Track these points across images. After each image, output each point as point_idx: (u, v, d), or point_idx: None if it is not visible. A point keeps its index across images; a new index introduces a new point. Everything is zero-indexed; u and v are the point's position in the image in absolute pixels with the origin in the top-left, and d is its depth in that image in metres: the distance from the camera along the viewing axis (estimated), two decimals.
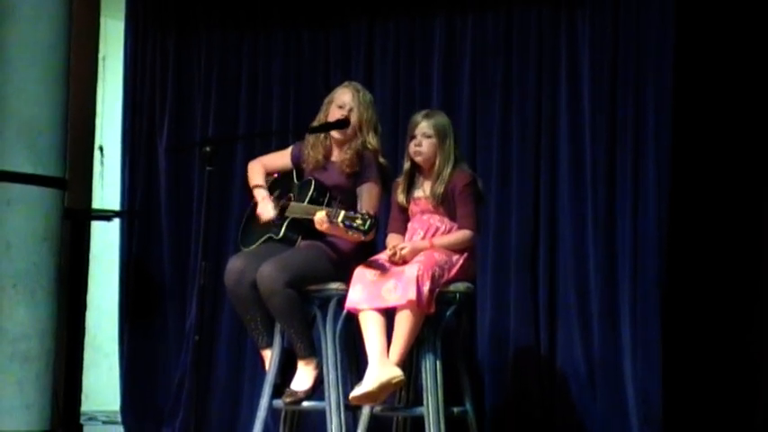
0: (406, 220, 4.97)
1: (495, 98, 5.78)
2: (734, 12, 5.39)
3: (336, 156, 5.03)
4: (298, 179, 5.11)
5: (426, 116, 4.95)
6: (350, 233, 4.61)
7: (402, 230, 4.97)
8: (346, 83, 5.12)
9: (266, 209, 5.01)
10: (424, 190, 4.93)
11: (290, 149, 5.21)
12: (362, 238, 4.65)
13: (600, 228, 5.52)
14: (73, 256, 5.75)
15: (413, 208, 4.95)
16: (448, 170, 4.87)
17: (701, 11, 5.43)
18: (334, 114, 5.00)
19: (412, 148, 4.92)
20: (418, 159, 4.92)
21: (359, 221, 4.55)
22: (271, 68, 6.28)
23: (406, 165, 4.97)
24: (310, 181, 4.99)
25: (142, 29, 6.58)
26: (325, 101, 5.09)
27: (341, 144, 5.02)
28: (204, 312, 4.90)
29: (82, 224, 5.94)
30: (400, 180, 4.98)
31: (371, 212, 4.66)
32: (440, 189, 4.86)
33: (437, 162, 4.89)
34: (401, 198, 4.95)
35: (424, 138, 4.90)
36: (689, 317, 5.38)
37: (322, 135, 5.05)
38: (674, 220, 5.40)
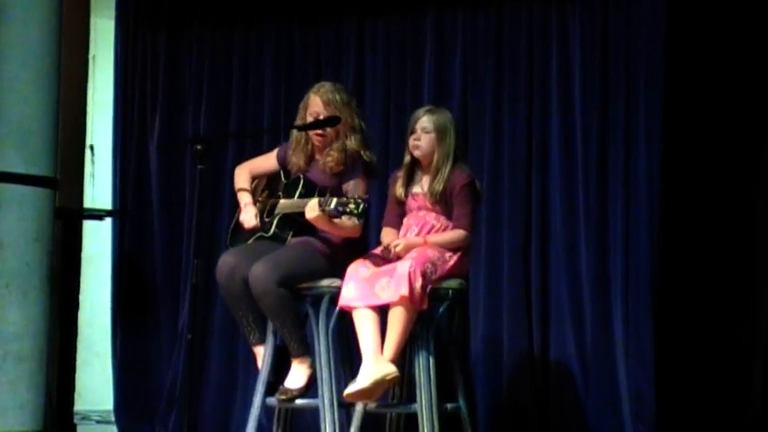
0: (402, 214, 4.97)
1: (487, 96, 5.79)
2: (725, 9, 5.40)
3: (319, 157, 5.03)
4: (285, 179, 5.12)
5: (428, 111, 4.94)
6: (343, 219, 4.62)
7: (397, 225, 4.96)
8: (316, 87, 5.04)
9: (249, 216, 5.01)
10: (422, 186, 4.92)
11: (275, 152, 5.21)
12: (356, 222, 4.66)
13: (592, 224, 5.53)
14: (65, 255, 5.73)
15: (410, 203, 4.94)
16: (447, 168, 4.86)
17: (691, 8, 5.44)
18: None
19: (411, 142, 4.91)
20: (416, 154, 4.91)
21: (352, 206, 4.56)
22: (262, 67, 6.28)
23: (407, 159, 4.95)
24: (299, 178, 5.00)
25: (132, 28, 6.58)
26: (301, 105, 5.07)
27: (321, 149, 5.01)
28: (197, 311, 4.91)
29: (74, 224, 5.92)
30: (399, 174, 4.97)
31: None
32: (438, 187, 4.84)
33: (435, 158, 4.88)
34: (399, 191, 4.94)
35: (423, 133, 4.89)
36: (681, 313, 5.39)
37: (303, 140, 5.04)
38: (665, 216, 5.41)
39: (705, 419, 5.32)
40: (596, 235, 5.52)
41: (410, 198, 4.94)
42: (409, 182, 4.95)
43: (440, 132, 4.88)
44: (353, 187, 4.90)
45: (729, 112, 5.42)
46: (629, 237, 5.45)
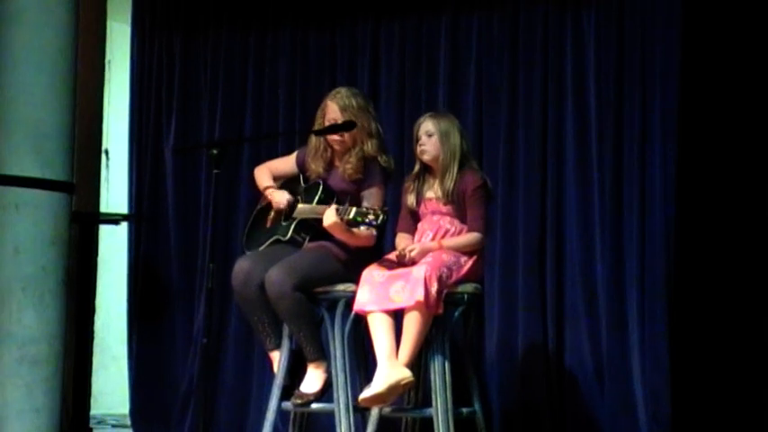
0: (416, 220, 4.98)
1: (502, 98, 5.78)
2: (740, 10, 5.39)
3: (338, 164, 5.03)
4: (304, 183, 5.12)
5: (430, 117, 4.99)
6: (362, 228, 4.62)
7: (411, 230, 4.98)
8: (333, 93, 5.03)
9: (281, 196, 4.99)
10: (434, 190, 4.94)
11: (294, 154, 5.21)
12: (374, 233, 4.66)
13: (607, 226, 5.52)
14: (81, 259, 5.76)
15: (423, 209, 4.96)
16: (455, 167, 4.88)
17: (706, 9, 5.43)
18: None
19: (417, 148, 4.94)
20: (424, 158, 4.93)
21: (371, 216, 4.57)
22: (277, 70, 6.29)
23: (416, 167, 4.99)
24: (318, 183, 5.00)
25: (148, 32, 6.59)
26: (318, 112, 5.06)
27: (341, 155, 5.01)
28: (212, 314, 4.92)
29: (90, 228, 5.95)
30: (410, 182, 5.00)
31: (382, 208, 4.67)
32: (449, 186, 4.86)
33: (441, 159, 4.90)
34: (411, 200, 4.96)
35: (426, 137, 4.93)
36: (696, 313, 5.38)
37: (321, 147, 5.04)
38: (680, 217, 5.40)
39: (721, 421, 5.30)
40: (611, 236, 5.51)
41: (423, 204, 4.95)
42: (420, 189, 4.96)
43: (442, 133, 4.91)
44: (372, 195, 4.90)
45: (744, 112, 5.40)
46: (645, 238, 5.44)
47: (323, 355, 4.85)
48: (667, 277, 5.38)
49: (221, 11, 6.44)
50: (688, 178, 5.41)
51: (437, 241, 4.84)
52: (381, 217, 4.57)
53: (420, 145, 4.94)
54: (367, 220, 4.57)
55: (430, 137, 4.92)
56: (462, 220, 4.89)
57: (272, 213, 5.11)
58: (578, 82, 5.64)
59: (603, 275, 5.51)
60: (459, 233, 4.87)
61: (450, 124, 4.95)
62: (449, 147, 4.91)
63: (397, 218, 5.13)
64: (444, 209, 4.90)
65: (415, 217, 5.00)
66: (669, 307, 5.37)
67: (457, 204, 4.88)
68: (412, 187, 4.99)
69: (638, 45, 5.53)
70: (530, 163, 5.69)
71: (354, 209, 4.61)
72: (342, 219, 4.64)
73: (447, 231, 4.88)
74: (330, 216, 4.69)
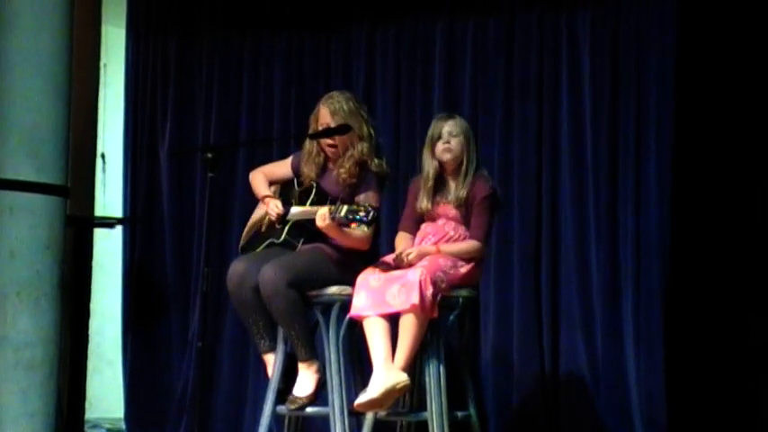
0: (420, 221, 4.95)
1: (497, 102, 5.79)
2: (735, 11, 5.40)
3: (332, 168, 5.02)
4: (298, 187, 5.12)
5: (449, 117, 4.93)
6: (352, 226, 4.62)
7: (413, 230, 4.95)
8: (325, 98, 5.02)
9: (275, 205, 4.98)
10: (448, 194, 4.89)
11: (290, 159, 5.20)
12: (365, 230, 4.65)
13: (602, 229, 5.53)
14: (76, 263, 5.74)
15: (434, 212, 4.91)
16: (472, 171, 4.85)
17: (701, 11, 5.44)
18: None
19: (440, 147, 4.87)
20: (447, 158, 4.86)
21: (362, 213, 4.57)
22: (272, 74, 6.29)
23: (434, 166, 4.88)
24: (312, 186, 5.00)
25: (143, 36, 6.60)
26: (311, 117, 5.06)
27: (334, 160, 5.01)
28: (207, 318, 4.91)
29: (85, 231, 5.94)
30: (426, 184, 4.90)
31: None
32: (463, 193, 4.84)
33: (465, 162, 4.87)
34: (425, 203, 4.88)
35: (451, 137, 4.86)
36: (692, 317, 5.39)
37: (314, 151, 5.04)
38: (676, 220, 5.41)
39: (716, 425, 5.31)
40: (607, 242, 5.52)
41: (435, 207, 4.91)
42: (435, 191, 4.91)
43: (466, 136, 4.88)
44: (368, 199, 4.89)
45: (741, 114, 5.42)
46: (640, 243, 5.45)
47: (315, 355, 4.85)
48: (663, 282, 5.39)
49: (216, 15, 6.44)
50: (683, 183, 5.42)
51: (435, 245, 4.83)
52: (372, 213, 4.57)
53: (444, 143, 4.87)
54: (358, 217, 4.57)
55: (455, 137, 4.87)
56: (467, 226, 4.87)
57: (267, 218, 5.11)
58: (573, 85, 5.66)
59: (599, 280, 5.52)
60: (461, 239, 4.85)
61: (468, 127, 4.93)
62: (470, 151, 4.87)
63: (391, 221, 5.12)
64: (453, 213, 4.86)
65: (420, 217, 4.96)
66: (664, 312, 5.38)
67: (465, 210, 4.86)
68: (429, 190, 4.90)
69: (634, 48, 5.55)
70: (525, 167, 5.70)
71: (345, 206, 4.61)
72: (334, 218, 4.64)
73: (450, 238, 4.86)
74: (323, 218, 4.69)
